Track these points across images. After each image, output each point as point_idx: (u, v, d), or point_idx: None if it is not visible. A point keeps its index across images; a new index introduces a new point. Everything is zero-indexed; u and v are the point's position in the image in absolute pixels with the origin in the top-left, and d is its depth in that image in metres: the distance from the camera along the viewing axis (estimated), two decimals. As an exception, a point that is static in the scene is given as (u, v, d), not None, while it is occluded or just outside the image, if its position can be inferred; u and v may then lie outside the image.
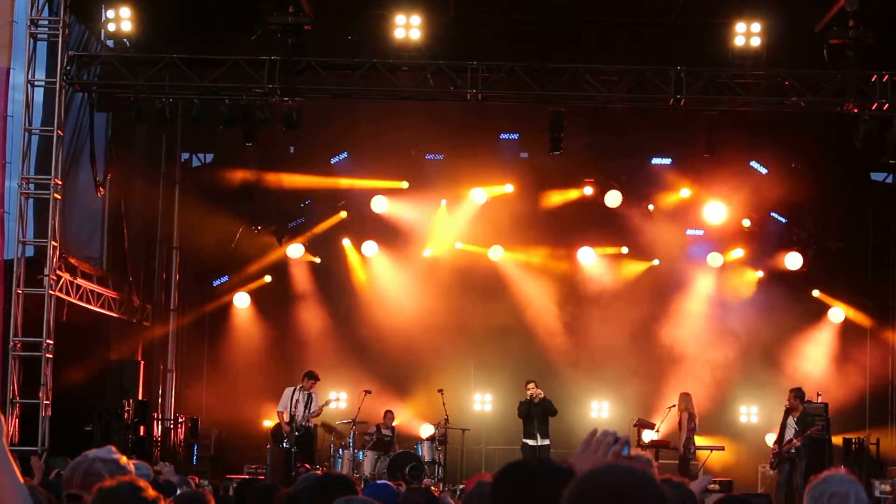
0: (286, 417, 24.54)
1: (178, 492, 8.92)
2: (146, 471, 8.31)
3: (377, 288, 28.80)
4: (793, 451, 23.55)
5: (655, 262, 28.86)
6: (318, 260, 29.15)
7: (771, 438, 24.88)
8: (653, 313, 28.44)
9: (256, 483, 11.15)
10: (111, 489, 4.91)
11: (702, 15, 23.67)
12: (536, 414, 24.79)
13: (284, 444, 24.30)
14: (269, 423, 27.38)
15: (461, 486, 23.26)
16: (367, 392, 25.46)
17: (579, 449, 4.25)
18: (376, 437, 25.22)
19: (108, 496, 4.88)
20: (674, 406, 25.50)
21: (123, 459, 6.64)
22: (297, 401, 24.56)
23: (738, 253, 28.75)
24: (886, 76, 23.14)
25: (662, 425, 25.60)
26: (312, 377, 24.97)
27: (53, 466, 11.79)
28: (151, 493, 4.93)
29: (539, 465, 4.14)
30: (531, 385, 24.85)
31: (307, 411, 24.55)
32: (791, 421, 23.66)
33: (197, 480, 14.16)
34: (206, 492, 8.95)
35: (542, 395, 24.71)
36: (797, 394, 24.18)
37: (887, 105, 23.24)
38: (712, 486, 21.74)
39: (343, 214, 29.05)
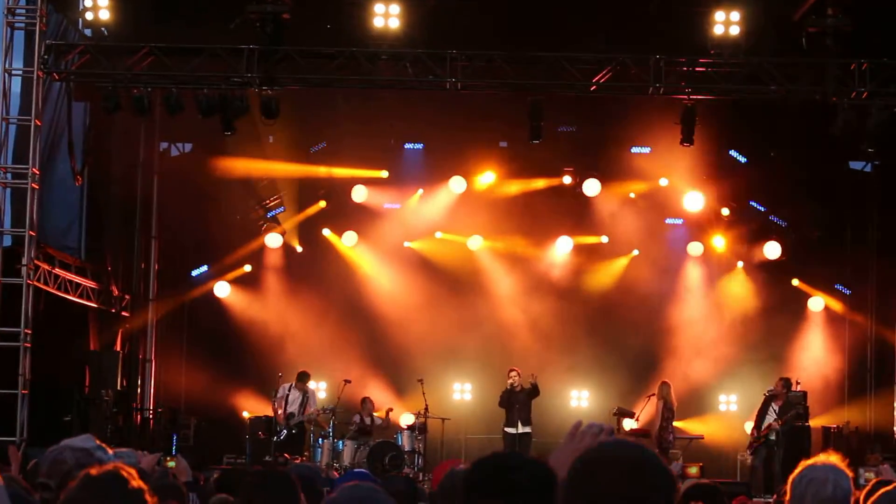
0: (280, 412, 24.87)
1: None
2: (133, 458, 8.27)
3: (358, 277, 28.75)
4: (772, 436, 23.67)
5: (635, 251, 28.85)
6: (298, 249, 29.09)
7: (749, 426, 24.97)
8: (632, 302, 28.44)
9: (238, 472, 11.15)
10: (96, 477, 4.87)
11: (681, 3, 23.65)
12: (518, 402, 24.83)
13: (280, 437, 24.58)
14: (247, 414, 27.36)
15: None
16: (347, 381, 25.58)
17: (564, 440, 4.25)
18: (359, 427, 25.25)
19: (92, 484, 4.84)
20: (653, 395, 25.59)
21: (108, 449, 6.62)
22: (293, 399, 24.79)
23: (717, 242, 28.74)
24: (865, 64, 23.17)
25: (642, 414, 25.67)
26: (306, 378, 25.25)
27: (32, 457, 11.74)
28: (136, 483, 4.89)
29: (512, 458, 4.13)
30: (513, 373, 24.90)
31: (302, 410, 24.76)
32: (773, 408, 23.80)
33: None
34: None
35: (533, 381, 24.80)
36: (786, 383, 24.34)
37: (866, 93, 23.28)
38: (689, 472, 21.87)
39: (322, 204, 28.97)
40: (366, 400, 26.06)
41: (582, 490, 3.58)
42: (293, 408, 25.08)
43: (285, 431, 25.02)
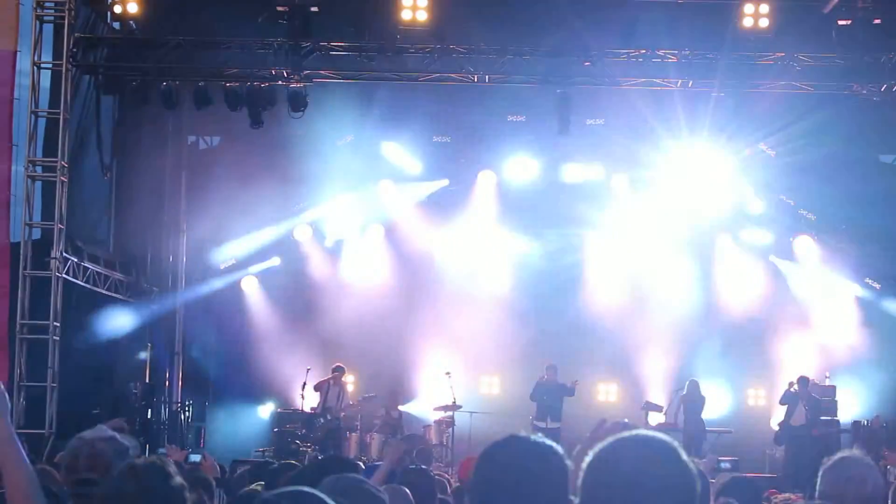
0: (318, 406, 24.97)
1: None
2: (133, 441, 8.28)
3: (384, 270, 28.70)
4: (801, 432, 23.70)
5: (664, 243, 28.68)
6: (328, 243, 29.05)
7: (775, 421, 24.95)
8: (660, 296, 28.36)
9: (271, 465, 11.16)
10: (140, 467, 4.85)
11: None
12: (549, 396, 24.86)
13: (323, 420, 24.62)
14: (274, 406, 27.47)
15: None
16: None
17: (588, 438, 4.23)
18: (384, 420, 25.28)
19: (136, 474, 4.81)
20: (680, 389, 25.62)
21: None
22: (331, 394, 24.84)
23: (748, 235, 28.64)
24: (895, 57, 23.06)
25: (670, 408, 25.67)
26: (342, 371, 25.52)
27: (60, 449, 11.77)
28: (178, 478, 4.87)
29: (523, 443, 4.12)
30: (549, 367, 25.06)
31: (340, 403, 24.81)
32: (801, 407, 23.87)
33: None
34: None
35: (573, 385, 24.96)
36: (802, 381, 24.31)
37: (896, 86, 23.19)
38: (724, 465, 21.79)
39: (352, 196, 28.84)
40: (394, 393, 26.11)
41: (599, 483, 3.55)
42: (331, 402, 25.08)
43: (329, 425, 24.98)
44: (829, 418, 24.87)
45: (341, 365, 25.75)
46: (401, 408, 26.03)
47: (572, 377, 25.76)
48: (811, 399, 24.24)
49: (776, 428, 25.31)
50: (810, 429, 23.86)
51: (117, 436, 6.68)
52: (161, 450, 19.45)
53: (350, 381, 27.71)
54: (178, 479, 4.84)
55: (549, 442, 4.09)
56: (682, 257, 28.62)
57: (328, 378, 25.40)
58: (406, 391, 27.42)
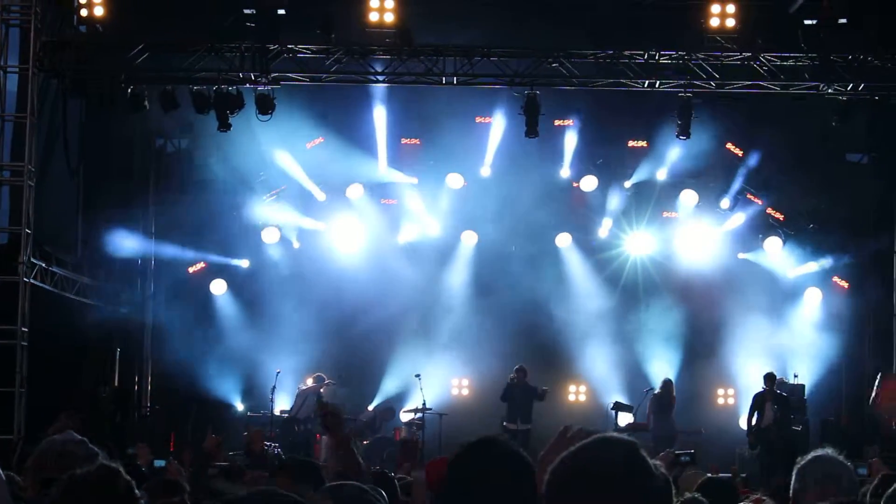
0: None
1: None
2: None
3: (356, 273, 28.65)
4: (768, 433, 23.75)
5: (633, 245, 28.82)
6: (296, 244, 29.01)
7: (744, 420, 25.02)
8: (631, 296, 28.49)
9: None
10: (83, 477, 4.83)
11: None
12: (519, 397, 24.89)
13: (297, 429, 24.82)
14: (242, 409, 27.52)
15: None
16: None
17: (551, 444, 4.22)
18: (357, 423, 25.32)
19: (81, 485, 4.79)
20: (651, 389, 25.64)
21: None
22: (309, 402, 24.73)
23: (715, 235, 28.77)
24: (861, 56, 23.18)
25: (640, 409, 25.72)
26: (320, 381, 25.48)
27: (30, 454, 11.71)
28: (124, 480, 4.86)
29: (491, 447, 4.12)
30: (517, 369, 25.05)
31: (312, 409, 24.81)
32: (769, 406, 23.91)
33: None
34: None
35: (543, 391, 24.98)
36: (770, 378, 24.36)
37: (862, 85, 23.29)
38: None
39: (321, 197, 28.84)
40: (364, 395, 26.20)
41: (562, 489, 3.55)
42: (308, 412, 24.94)
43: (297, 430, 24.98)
44: (795, 417, 24.98)
45: (321, 374, 25.72)
46: (370, 408, 26.08)
47: (542, 379, 25.81)
48: (779, 397, 24.31)
49: (744, 427, 25.31)
50: (779, 428, 23.90)
51: (86, 440, 6.68)
52: (130, 449, 19.44)
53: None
54: (124, 481, 4.84)
55: (516, 448, 4.10)
56: (651, 259, 28.76)
57: (313, 387, 25.28)
58: (376, 393, 27.43)
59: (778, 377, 25.22)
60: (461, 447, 4.12)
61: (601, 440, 3.57)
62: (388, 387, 27.91)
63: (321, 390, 25.34)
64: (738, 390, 28.15)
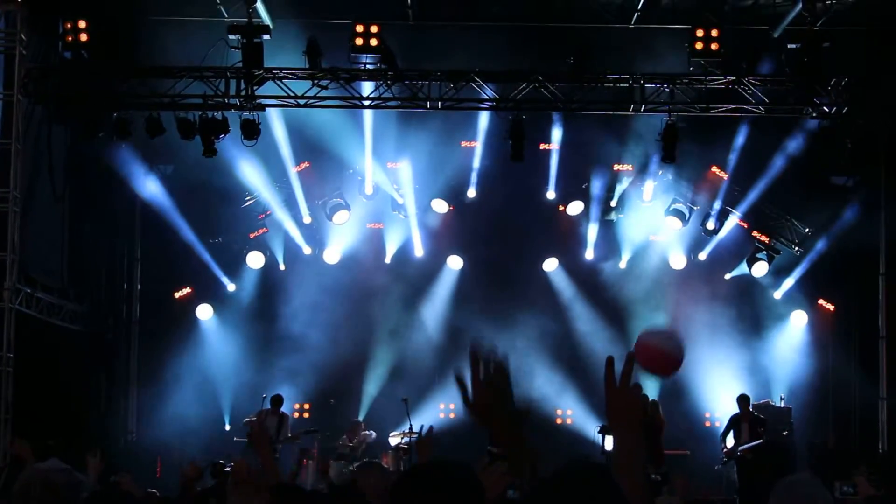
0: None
1: None
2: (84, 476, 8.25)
3: (340, 297, 28.65)
4: (748, 456, 23.76)
5: (620, 268, 28.90)
6: (282, 268, 29.01)
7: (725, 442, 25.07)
8: (618, 318, 28.50)
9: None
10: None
11: (661, 20, 23.75)
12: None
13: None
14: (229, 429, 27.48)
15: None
16: (332, 401, 25.65)
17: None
18: (342, 450, 25.32)
19: None
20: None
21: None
22: (270, 424, 24.53)
23: (701, 258, 28.84)
24: (844, 80, 23.29)
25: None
26: (279, 401, 25.26)
27: (15, 481, 11.69)
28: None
29: (438, 471, 4.15)
30: None
31: (279, 435, 24.61)
32: (745, 427, 23.95)
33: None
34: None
35: (526, 405, 24.80)
36: (743, 400, 24.41)
37: (846, 109, 23.39)
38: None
39: (307, 220, 28.85)
40: (354, 423, 26.17)
41: None
42: (270, 433, 24.80)
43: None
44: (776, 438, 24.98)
45: (279, 395, 25.52)
46: (365, 432, 26.12)
47: (528, 401, 25.76)
48: (756, 419, 24.34)
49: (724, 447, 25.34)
50: (756, 450, 23.90)
51: (71, 468, 6.68)
52: (112, 478, 19.34)
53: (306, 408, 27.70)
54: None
55: (463, 473, 4.13)
56: (636, 280, 28.81)
57: (264, 409, 25.12)
58: (363, 417, 27.43)
59: (764, 400, 25.27)
60: (402, 474, 4.15)
61: (577, 467, 3.61)
62: (375, 411, 27.88)
63: (281, 412, 25.21)
64: (724, 413, 28.13)
